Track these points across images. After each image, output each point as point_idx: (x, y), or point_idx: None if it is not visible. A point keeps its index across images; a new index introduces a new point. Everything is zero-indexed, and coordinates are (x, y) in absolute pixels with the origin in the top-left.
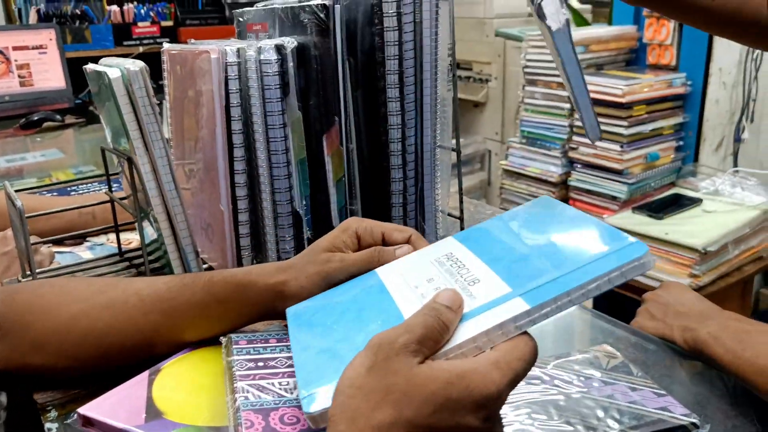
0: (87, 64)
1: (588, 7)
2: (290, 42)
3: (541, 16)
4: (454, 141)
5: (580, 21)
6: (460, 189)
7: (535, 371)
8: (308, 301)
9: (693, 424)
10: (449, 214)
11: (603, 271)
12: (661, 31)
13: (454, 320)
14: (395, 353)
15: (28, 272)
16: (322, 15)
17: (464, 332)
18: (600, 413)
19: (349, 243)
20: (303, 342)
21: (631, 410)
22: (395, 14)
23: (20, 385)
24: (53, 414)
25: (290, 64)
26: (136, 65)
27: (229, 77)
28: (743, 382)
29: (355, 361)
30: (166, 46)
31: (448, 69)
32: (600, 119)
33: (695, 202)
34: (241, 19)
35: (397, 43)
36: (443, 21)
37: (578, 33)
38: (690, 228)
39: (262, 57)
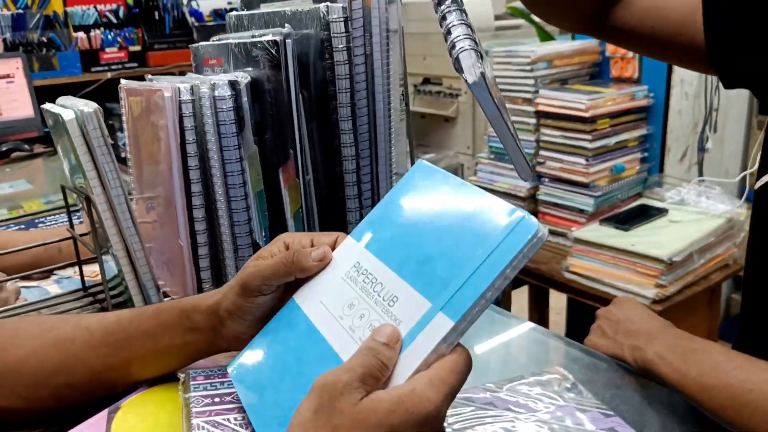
0: (56, 90)
1: None
2: (244, 77)
3: (458, 69)
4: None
5: (544, 36)
6: None
7: (487, 396)
8: (245, 355)
9: None
10: None
11: (507, 261)
12: None
13: (393, 357)
14: (339, 393)
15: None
16: (273, 51)
17: (403, 367)
18: None
19: (276, 252)
20: (254, 406)
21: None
22: (345, 48)
23: None
24: None
25: (244, 99)
26: (90, 107)
27: (183, 114)
28: (690, 401)
29: (301, 406)
30: (123, 82)
31: (401, 99)
32: (565, 134)
33: (661, 212)
34: (197, 54)
35: (347, 76)
36: (394, 52)
37: (542, 48)
38: (656, 239)
39: (216, 93)
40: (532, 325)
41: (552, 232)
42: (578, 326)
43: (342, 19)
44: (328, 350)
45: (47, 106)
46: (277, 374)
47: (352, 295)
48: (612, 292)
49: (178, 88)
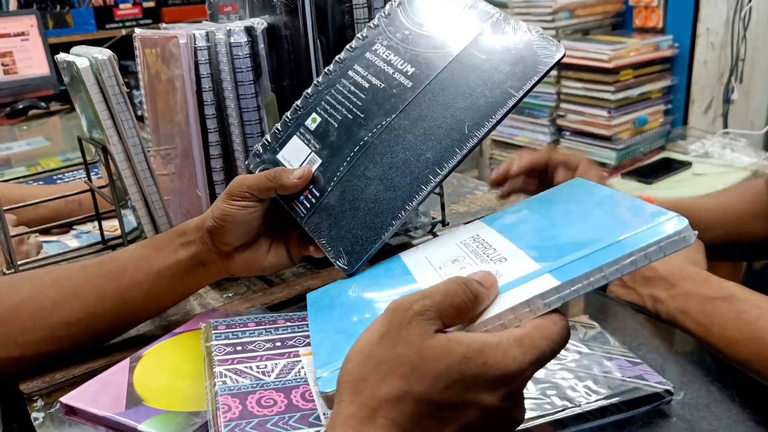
0: (70, 48)
1: None
2: (260, 23)
3: None
4: None
5: None
6: None
7: None
8: (329, 285)
9: (667, 391)
10: None
11: (639, 245)
12: None
13: (484, 294)
14: (408, 320)
15: (11, 266)
16: None
17: (489, 310)
18: (575, 384)
19: None
20: (321, 324)
21: (606, 380)
22: (365, 5)
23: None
24: (39, 403)
25: (261, 45)
26: (104, 54)
27: (199, 62)
28: (717, 353)
29: (371, 327)
30: (138, 31)
31: None
32: (586, 85)
33: (685, 165)
34: (212, 1)
35: (366, 20)
36: None
37: None
38: (680, 192)
39: (232, 39)
40: None
41: None
42: None
43: None
44: (412, 283)
45: (61, 55)
46: (352, 299)
47: (460, 253)
48: None
49: (194, 34)
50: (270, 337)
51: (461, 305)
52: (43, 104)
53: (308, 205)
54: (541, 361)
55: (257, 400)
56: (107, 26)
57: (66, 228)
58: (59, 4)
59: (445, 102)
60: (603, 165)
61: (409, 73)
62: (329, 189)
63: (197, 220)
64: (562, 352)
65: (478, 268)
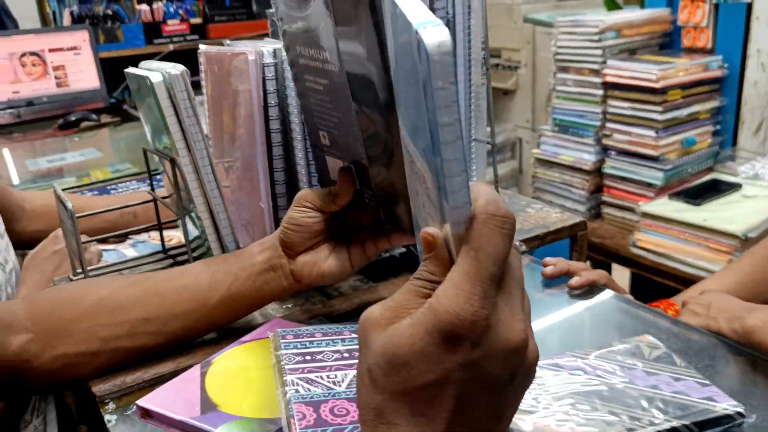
0: (119, 62)
1: None
2: None
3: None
4: (489, 133)
5: (611, 5)
6: (496, 180)
7: (577, 362)
8: None
9: (739, 413)
10: None
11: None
12: (696, 13)
13: (442, 262)
14: (370, 330)
15: (79, 270)
16: None
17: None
18: (644, 403)
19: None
20: None
21: (676, 400)
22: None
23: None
24: (111, 406)
25: None
26: (177, 69)
27: (266, 78)
28: None
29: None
30: (202, 47)
31: (482, 62)
32: (633, 105)
33: (734, 187)
34: (274, 19)
35: None
36: (476, 15)
37: (610, 17)
38: (729, 214)
39: None
40: (612, 293)
41: (618, 207)
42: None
43: None
44: None
45: (131, 70)
46: None
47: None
48: (681, 268)
49: (262, 51)
50: (337, 348)
51: (430, 292)
52: (94, 116)
53: (373, 203)
54: (486, 286)
55: (330, 409)
56: (155, 41)
57: (123, 237)
58: (110, 20)
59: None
60: (650, 185)
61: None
62: (374, 184)
63: (276, 231)
64: (628, 371)
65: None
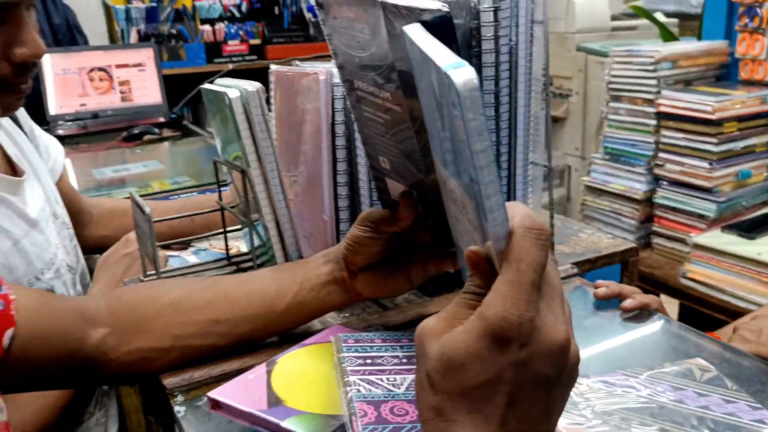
0: (181, 79)
1: (674, 20)
2: None
3: None
4: (545, 157)
5: (667, 36)
6: (551, 202)
7: (629, 380)
8: None
9: None
10: None
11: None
12: (755, 46)
13: (486, 277)
14: (426, 340)
15: (151, 272)
16: None
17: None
18: (695, 422)
19: None
20: None
21: (726, 421)
22: (492, 38)
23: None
24: (180, 398)
25: None
26: (254, 86)
27: (335, 97)
28: None
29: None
30: (273, 67)
31: (542, 88)
32: (687, 136)
33: None
34: None
35: (493, 64)
36: (538, 43)
37: (666, 48)
38: None
39: None
40: (664, 317)
41: (668, 237)
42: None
43: (492, 9)
44: None
45: (207, 85)
46: None
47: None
48: (733, 301)
49: (332, 71)
50: (396, 354)
51: (478, 303)
52: (156, 130)
53: (435, 227)
54: (529, 291)
55: (390, 409)
56: (216, 60)
57: (185, 245)
58: (174, 39)
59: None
60: (702, 217)
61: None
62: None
63: (339, 245)
64: (679, 392)
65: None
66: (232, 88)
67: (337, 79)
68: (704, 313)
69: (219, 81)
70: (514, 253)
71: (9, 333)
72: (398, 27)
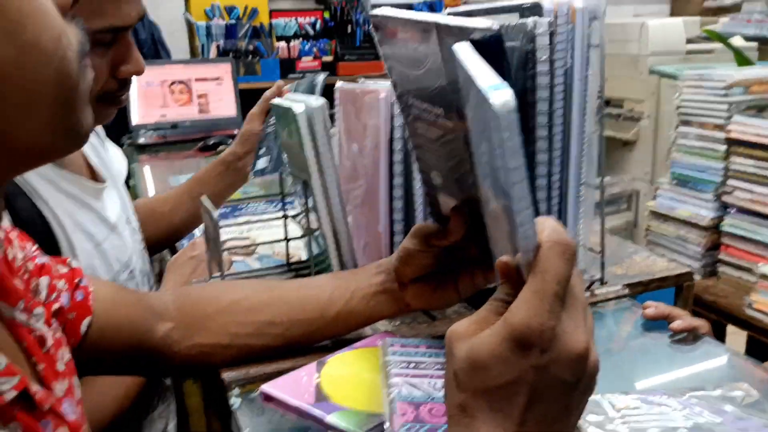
0: (256, 93)
1: (754, 45)
2: None
3: None
4: (599, 179)
5: (742, 60)
6: (602, 224)
7: (670, 400)
8: None
9: None
10: (590, 249)
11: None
12: None
13: (515, 286)
14: (456, 342)
15: (217, 273)
16: None
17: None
18: None
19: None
20: None
21: None
22: (548, 60)
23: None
24: (236, 391)
25: None
26: (318, 101)
27: (394, 114)
28: None
29: None
30: (339, 84)
31: (597, 111)
32: (758, 163)
33: None
34: None
35: (548, 86)
36: (593, 66)
37: (740, 73)
38: None
39: None
40: (714, 341)
41: (735, 266)
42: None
43: (548, 33)
44: None
45: (277, 100)
46: None
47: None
48: None
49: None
50: (439, 360)
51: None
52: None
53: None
54: (552, 302)
55: (429, 410)
56: (290, 76)
57: (250, 251)
58: (251, 55)
59: None
60: None
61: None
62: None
63: (391, 256)
64: (721, 416)
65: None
66: (299, 103)
67: None
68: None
69: (288, 96)
70: (540, 265)
71: (86, 321)
72: (450, 46)
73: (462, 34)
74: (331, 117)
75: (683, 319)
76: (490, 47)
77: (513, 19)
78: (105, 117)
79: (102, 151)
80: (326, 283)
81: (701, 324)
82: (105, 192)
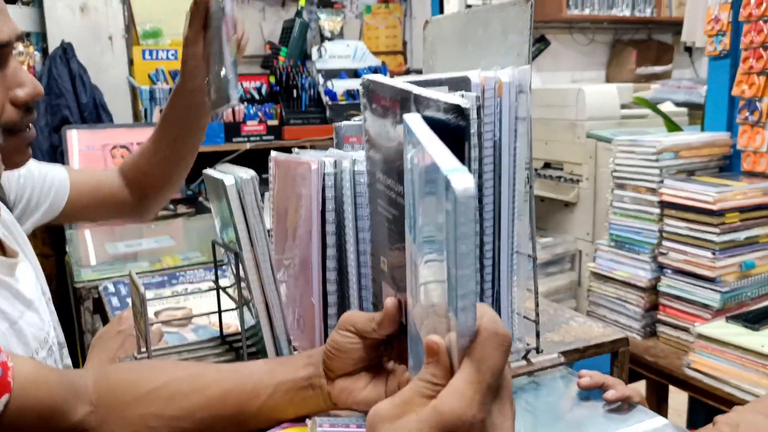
0: (200, 157)
1: (684, 109)
2: None
3: None
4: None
5: (672, 126)
6: (536, 293)
7: None
8: None
9: None
10: (525, 317)
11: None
12: (756, 139)
13: (444, 368)
14: (378, 423)
15: (143, 350)
16: None
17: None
18: None
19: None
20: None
21: None
22: (476, 133)
23: None
24: None
25: None
26: (248, 174)
27: (326, 185)
28: None
29: None
30: (273, 154)
31: (526, 181)
32: (690, 225)
33: None
34: (339, 132)
35: (477, 159)
36: (521, 138)
37: (669, 138)
38: None
39: (356, 168)
40: (645, 411)
41: (673, 326)
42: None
43: (475, 107)
44: None
45: (209, 171)
46: None
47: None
48: (737, 394)
49: (323, 161)
50: None
51: (433, 394)
52: (171, 206)
53: None
54: (484, 392)
55: None
56: (234, 140)
57: (185, 322)
58: None
59: None
60: (706, 306)
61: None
62: None
63: (321, 348)
64: None
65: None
66: (228, 175)
67: (329, 169)
68: (712, 406)
69: (219, 166)
70: (476, 354)
71: (4, 399)
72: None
73: (436, 106)
74: (266, 182)
75: (617, 389)
76: (456, 129)
77: (442, 92)
78: (20, 155)
79: (10, 223)
80: (253, 372)
81: (634, 393)
82: (18, 267)
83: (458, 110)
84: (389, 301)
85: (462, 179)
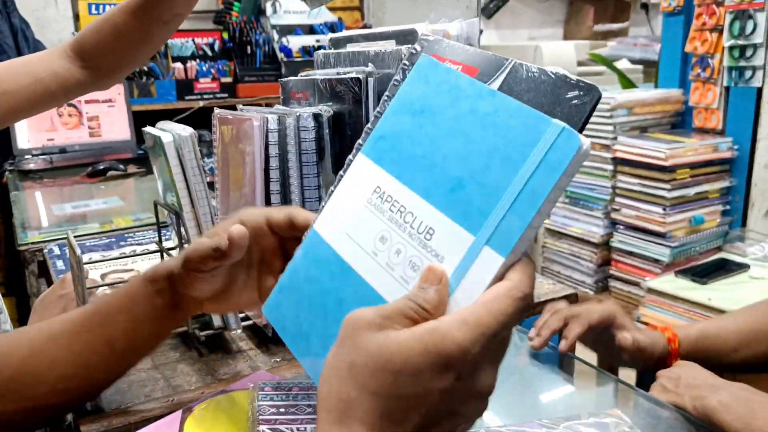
0: (152, 115)
1: (639, 67)
2: (327, 111)
3: None
4: None
5: (626, 83)
6: None
7: (542, 430)
8: (276, 295)
9: None
10: None
11: (553, 183)
12: (707, 95)
13: (436, 299)
14: (360, 328)
15: None
16: (356, 87)
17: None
18: None
19: (228, 229)
20: (303, 355)
21: None
22: None
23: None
24: None
25: (326, 131)
26: (186, 131)
27: (269, 142)
28: None
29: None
30: (216, 111)
31: None
32: (642, 182)
33: (742, 267)
34: (285, 87)
35: None
36: None
37: (622, 95)
38: (735, 294)
39: (300, 124)
40: (589, 367)
41: (624, 281)
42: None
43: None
44: (371, 292)
45: (148, 129)
46: (320, 320)
47: (381, 226)
48: None
49: (266, 118)
50: (311, 402)
51: (414, 315)
52: (121, 166)
53: None
54: (489, 338)
55: None
56: (186, 98)
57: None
58: (145, 76)
59: None
60: (656, 261)
61: None
62: None
63: (165, 267)
64: None
65: (414, 250)
66: (167, 132)
67: (273, 125)
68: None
69: (160, 124)
70: (495, 300)
71: None
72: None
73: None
74: (210, 143)
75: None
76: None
77: (389, 45)
78: None
79: None
80: (107, 316)
81: (612, 312)
82: None
83: None
84: (236, 230)
85: (581, 137)
